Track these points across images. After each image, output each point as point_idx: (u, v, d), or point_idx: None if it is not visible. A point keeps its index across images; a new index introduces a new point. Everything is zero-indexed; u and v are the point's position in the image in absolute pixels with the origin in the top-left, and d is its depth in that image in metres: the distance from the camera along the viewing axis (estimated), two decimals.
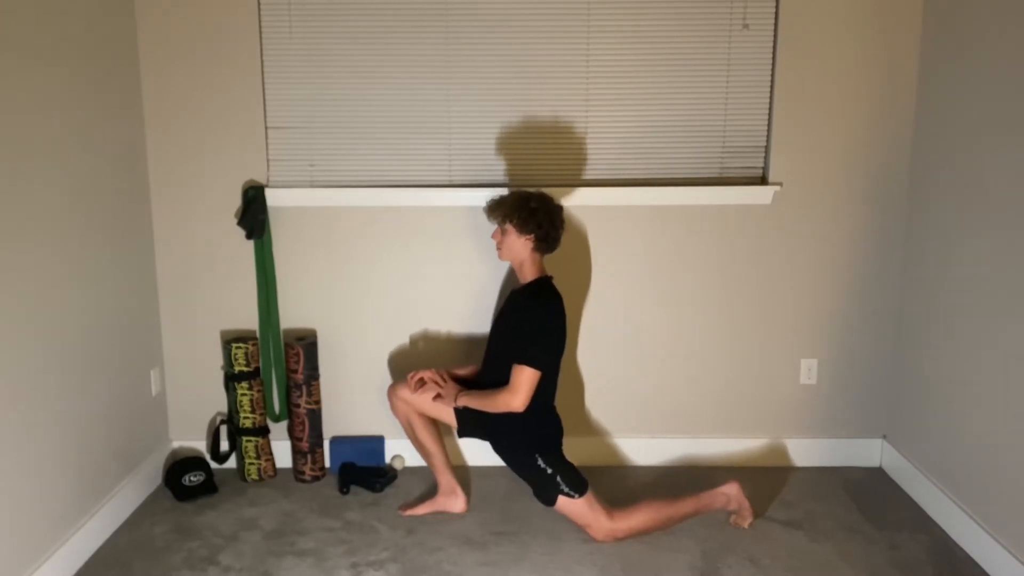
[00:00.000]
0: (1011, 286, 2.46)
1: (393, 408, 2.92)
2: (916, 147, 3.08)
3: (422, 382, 2.84)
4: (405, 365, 3.23)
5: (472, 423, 2.81)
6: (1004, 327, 2.50)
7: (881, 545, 2.72)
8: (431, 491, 3.03)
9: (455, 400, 2.77)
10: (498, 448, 2.83)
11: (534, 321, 2.68)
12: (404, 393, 2.85)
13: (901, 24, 3.02)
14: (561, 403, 2.92)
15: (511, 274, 3.19)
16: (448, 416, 2.84)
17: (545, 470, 2.70)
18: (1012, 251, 2.45)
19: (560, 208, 2.80)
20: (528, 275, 2.78)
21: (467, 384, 2.89)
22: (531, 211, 2.71)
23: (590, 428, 3.33)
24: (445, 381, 2.84)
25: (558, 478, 2.70)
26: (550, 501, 2.72)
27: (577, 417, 3.30)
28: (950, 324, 2.82)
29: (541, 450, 2.73)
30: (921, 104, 3.04)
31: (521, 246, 2.74)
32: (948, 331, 2.83)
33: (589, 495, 2.70)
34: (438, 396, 2.80)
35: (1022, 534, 2.42)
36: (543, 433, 2.79)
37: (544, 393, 2.73)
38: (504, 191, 3.08)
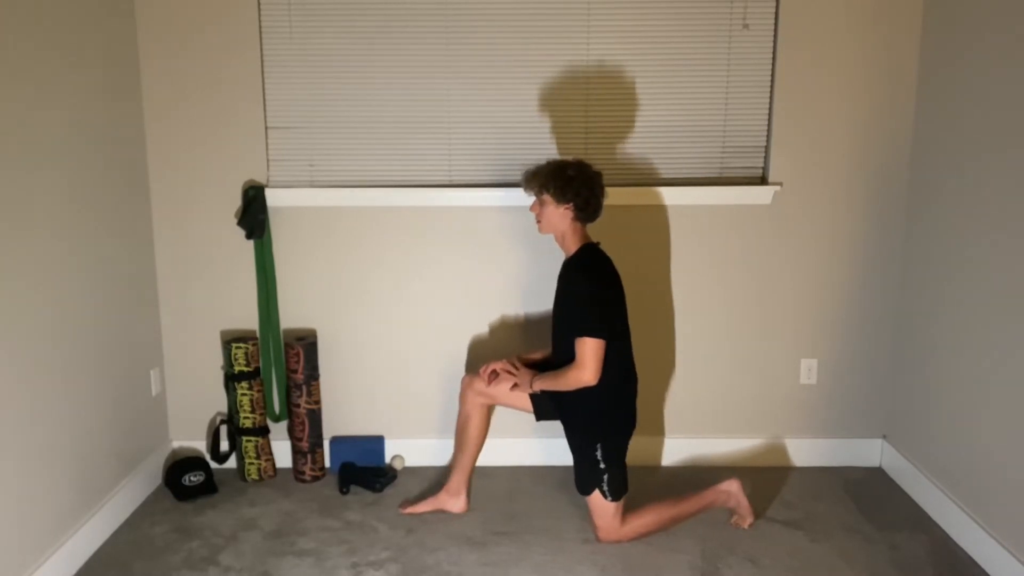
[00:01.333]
0: (1011, 286, 2.46)
1: (462, 399, 2.89)
2: (916, 147, 3.08)
3: (495, 374, 2.82)
4: (408, 364, 3.24)
5: (550, 406, 2.78)
6: (1004, 327, 2.50)
7: (881, 545, 2.72)
8: (432, 489, 3.03)
9: (531, 386, 2.73)
10: (567, 428, 2.78)
11: (584, 291, 2.62)
12: (479, 386, 2.83)
13: (901, 24, 3.02)
14: None
15: (507, 274, 3.18)
16: (525, 403, 2.81)
17: (599, 463, 2.67)
18: (1012, 251, 2.45)
19: (599, 174, 2.68)
20: (572, 246, 2.69)
21: (541, 367, 2.84)
22: (568, 179, 2.62)
23: None
24: (518, 368, 2.82)
25: (606, 476, 2.66)
26: (586, 491, 2.70)
27: None
28: (950, 324, 2.82)
29: (604, 441, 2.68)
30: (921, 104, 3.04)
31: (560, 217, 2.66)
32: (948, 331, 2.83)
33: (621, 502, 2.70)
34: (515, 385, 2.78)
35: (1022, 534, 2.42)
36: (612, 423, 2.72)
37: (619, 364, 2.68)
38: (505, 191, 3.09)
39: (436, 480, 3.15)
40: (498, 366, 2.83)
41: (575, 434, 2.75)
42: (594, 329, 2.56)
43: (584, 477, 2.70)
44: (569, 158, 2.76)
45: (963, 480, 2.74)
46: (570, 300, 2.67)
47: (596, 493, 2.67)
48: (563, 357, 2.69)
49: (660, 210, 3.16)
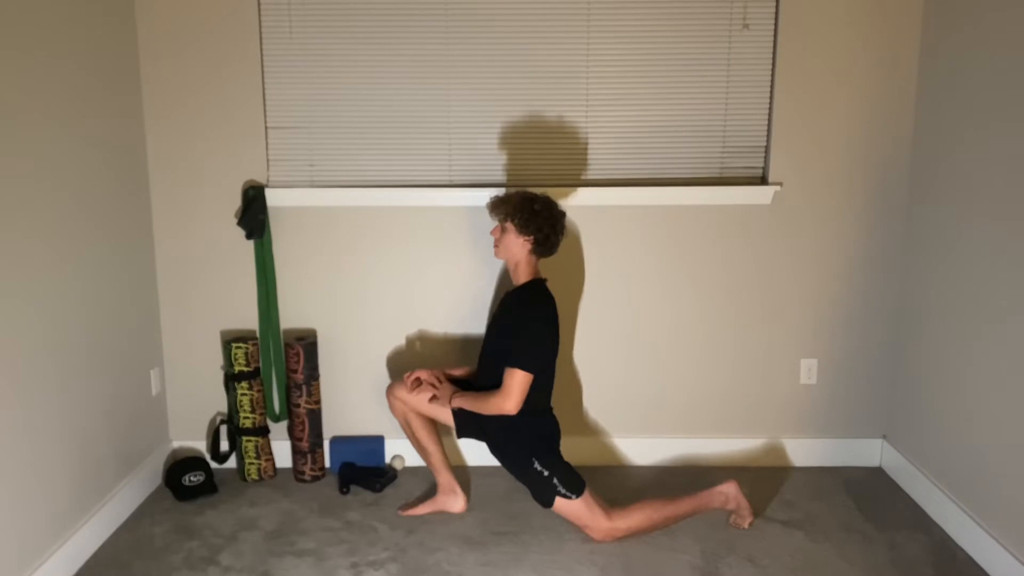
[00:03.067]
0: (1011, 286, 2.46)
1: (391, 407, 2.92)
2: (916, 147, 3.08)
3: (419, 382, 2.85)
4: (403, 365, 3.24)
5: (470, 424, 2.80)
6: (1004, 327, 2.50)
7: (881, 545, 2.72)
8: (431, 491, 3.04)
9: (450, 401, 2.77)
10: (495, 450, 2.83)
11: (526, 325, 2.68)
12: (401, 393, 2.85)
13: (901, 24, 3.02)
14: (560, 403, 2.92)
15: (506, 275, 3.19)
16: (446, 416, 2.84)
17: (542, 472, 2.70)
18: (1012, 252, 2.45)
19: (563, 214, 2.79)
20: (522, 276, 2.78)
21: (464, 385, 2.89)
22: (533, 212, 2.71)
23: (589, 428, 3.33)
24: (441, 382, 2.85)
25: (555, 480, 2.69)
26: (548, 503, 2.72)
27: (576, 417, 3.30)
28: (950, 324, 2.82)
29: (537, 453, 2.73)
30: (921, 104, 3.04)
31: (519, 247, 2.74)
32: (948, 331, 2.83)
33: (587, 496, 2.70)
34: (433, 397, 2.80)
35: (1022, 534, 2.42)
36: (540, 435, 2.79)
37: (539, 395, 2.73)
38: (503, 191, 3.08)
39: (435, 480, 3.14)
40: (423, 375, 2.86)
41: (507, 456, 2.80)
42: (527, 363, 2.62)
43: (539, 492, 2.73)
44: (537, 192, 2.81)
45: (963, 480, 2.74)
46: (511, 329, 2.71)
47: (558, 500, 2.70)
48: (488, 378, 2.76)
49: (660, 210, 3.16)
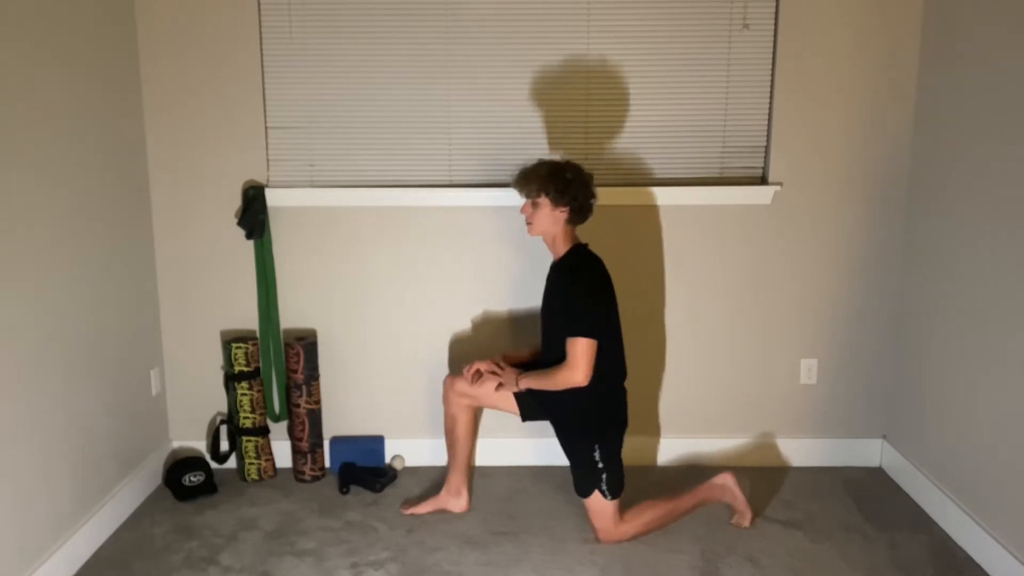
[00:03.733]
0: (1011, 286, 2.46)
1: (445, 400, 2.87)
2: (916, 147, 3.08)
3: (479, 374, 2.79)
4: (409, 365, 3.24)
5: (535, 406, 2.74)
6: (1004, 327, 2.50)
7: (881, 545, 2.72)
8: (433, 490, 3.03)
9: (516, 384, 2.70)
10: (560, 431, 2.76)
11: (575, 292, 2.60)
12: (462, 386, 2.79)
13: (901, 24, 3.02)
14: None
15: (507, 276, 3.19)
16: (510, 404, 2.78)
17: (597, 464, 2.65)
18: (1012, 251, 2.45)
19: (592, 176, 2.68)
20: (562, 248, 2.68)
21: (526, 367, 2.80)
22: (568, 182, 2.59)
23: None
24: (502, 368, 2.78)
25: (604, 475, 2.65)
26: (585, 493, 2.69)
27: None
28: (950, 324, 2.82)
29: (602, 443, 2.66)
30: (921, 104, 3.04)
31: (554, 220, 2.63)
32: (948, 331, 2.83)
33: (618, 500, 2.69)
34: (499, 385, 2.74)
35: (1022, 534, 2.42)
36: (609, 424, 2.72)
37: (610, 364, 2.66)
38: (505, 191, 3.08)
39: (436, 480, 3.14)
40: (482, 366, 2.79)
41: (570, 437, 2.74)
42: (584, 329, 2.55)
43: (582, 479, 2.70)
44: (558, 159, 2.73)
45: (963, 480, 2.74)
46: (561, 300, 2.65)
47: (596, 494, 2.67)
48: (553, 357, 2.67)
49: (660, 210, 3.16)
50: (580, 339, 2.54)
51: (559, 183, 2.59)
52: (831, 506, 2.99)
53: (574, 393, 2.60)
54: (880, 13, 3.01)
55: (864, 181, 3.13)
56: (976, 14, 2.67)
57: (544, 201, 2.62)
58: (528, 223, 2.68)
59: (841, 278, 3.20)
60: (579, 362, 2.54)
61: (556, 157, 2.70)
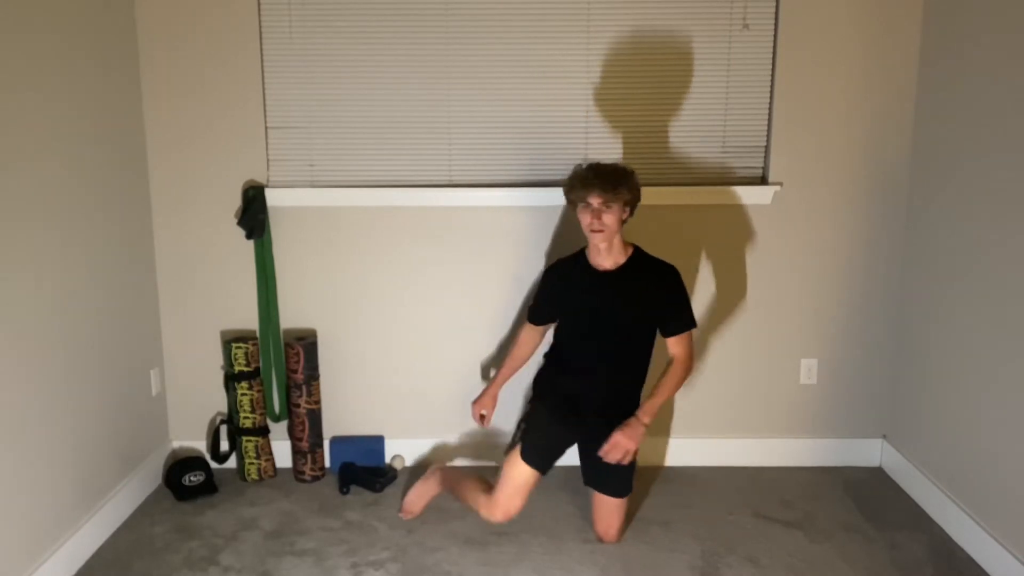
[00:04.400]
0: (1011, 286, 2.46)
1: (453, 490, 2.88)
2: (916, 147, 3.08)
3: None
4: (409, 365, 3.24)
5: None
6: (1005, 327, 2.50)
7: (881, 545, 2.72)
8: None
9: (643, 425, 2.61)
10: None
11: (681, 287, 2.69)
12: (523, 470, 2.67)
13: (901, 24, 3.02)
14: None
15: (509, 276, 3.18)
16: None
17: (635, 461, 2.70)
18: (1012, 251, 2.45)
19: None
20: (620, 249, 2.66)
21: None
22: (639, 187, 2.65)
23: None
24: (618, 443, 2.60)
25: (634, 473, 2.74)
26: (630, 488, 2.74)
27: None
28: (950, 324, 2.82)
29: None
30: (921, 104, 3.04)
31: (618, 222, 2.60)
32: (948, 331, 2.83)
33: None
34: (636, 451, 2.64)
35: (1022, 534, 2.42)
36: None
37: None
38: (505, 191, 3.08)
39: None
40: (487, 412, 2.91)
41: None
42: (693, 318, 2.71)
43: (629, 477, 2.72)
44: (618, 164, 2.68)
45: (963, 480, 2.74)
46: (665, 296, 2.67)
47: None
48: (617, 358, 2.71)
49: (660, 210, 3.16)
50: (693, 330, 2.70)
51: (638, 188, 2.65)
52: (831, 506, 2.99)
53: (637, 393, 2.74)
54: (880, 13, 3.01)
55: (864, 181, 3.13)
56: (976, 14, 2.67)
57: (618, 206, 2.58)
58: (599, 231, 2.57)
59: (841, 278, 3.20)
60: (693, 351, 2.73)
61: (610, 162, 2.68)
